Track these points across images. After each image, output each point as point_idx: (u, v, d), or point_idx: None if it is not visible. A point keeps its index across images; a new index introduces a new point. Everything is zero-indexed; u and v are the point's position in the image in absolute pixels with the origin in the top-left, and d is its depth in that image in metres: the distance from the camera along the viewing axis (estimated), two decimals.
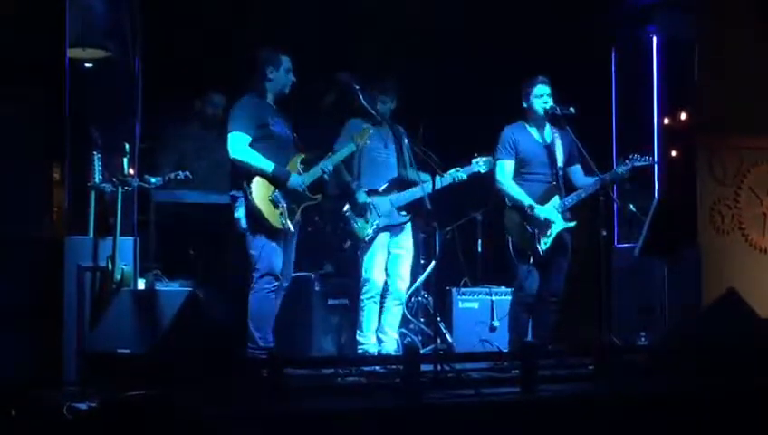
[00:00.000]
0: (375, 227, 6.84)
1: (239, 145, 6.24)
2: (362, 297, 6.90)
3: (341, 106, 7.14)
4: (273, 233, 6.28)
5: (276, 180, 6.30)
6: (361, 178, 6.95)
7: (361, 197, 6.85)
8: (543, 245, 6.66)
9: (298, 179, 6.39)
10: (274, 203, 6.28)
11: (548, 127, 6.85)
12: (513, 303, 6.97)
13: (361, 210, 6.84)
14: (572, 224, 6.75)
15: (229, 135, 6.27)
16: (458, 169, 6.96)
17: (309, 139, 6.81)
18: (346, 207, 6.87)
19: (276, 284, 6.32)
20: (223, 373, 4.95)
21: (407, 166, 7.04)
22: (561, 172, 6.79)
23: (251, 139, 6.27)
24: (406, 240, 7.03)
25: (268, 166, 6.27)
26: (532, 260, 6.68)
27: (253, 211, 6.23)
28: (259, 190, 6.25)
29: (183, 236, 7.31)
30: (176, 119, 7.63)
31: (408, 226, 7.03)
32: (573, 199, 6.73)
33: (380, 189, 6.94)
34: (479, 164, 6.99)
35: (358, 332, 6.94)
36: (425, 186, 6.74)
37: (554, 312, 6.82)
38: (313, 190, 6.52)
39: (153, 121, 6.59)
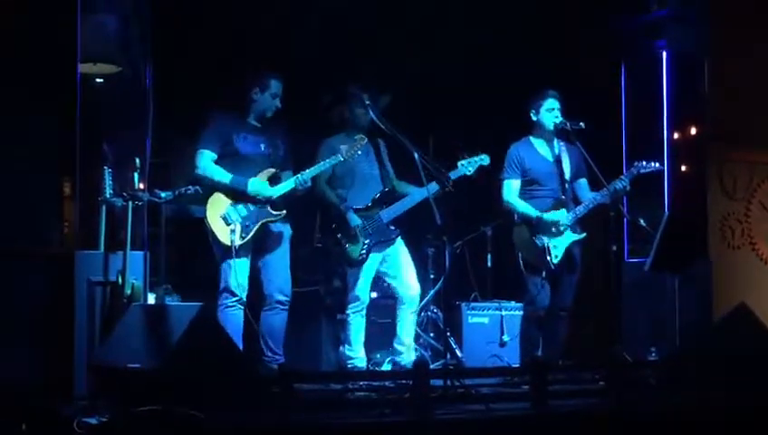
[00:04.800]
0: (367, 246, 6.78)
1: (203, 162, 6.41)
2: (348, 312, 6.85)
3: (349, 119, 7.11)
4: (227, 250, 6.33)
5: (235, 191, 6.38)
6: (348, 193, 6.89)
7: (353, 220, 6.76)
8: (554, 259, 6.66)
9: (257, 184, 6.39)
10: (225, 220, 6.35)
11: (555, 141, 6.86)
12: (523, 318, 6.96)
13: (353, 234, 6.77)
14: (582, 236, 6.74)
15: (196, 153, 6.44)
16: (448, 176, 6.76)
17: (303, 154, 6.82)
18: (339, 233, 6.80)
19: (235, 299, 6.37)
20: (233, 388, 4.95)
21: (389, 180, 7.00)
22: (568, 186, 6.80)
23: (216, 156, 6.44)
24: (398, 251, 6.93)
25: (226, 177, 6.39)
26: (544, 274, 6.68)
27: (207, 229, 6.38)
28: (212, 208, 6.38)
29: (193, 251, 7.33)
30: (188, 134, 7.64)
31: (399, 238, 6.96)
32: (582, 211, 6.73)
33: (368, 205, 6.86)
34: (465, 166, 6.87)
35: (346, 346, 6.89)
36: (413, 196, 6.76)
37: (564, 325, 6.83)
38: (283, 206, 6.50)
39: (165, 137, 6.62)
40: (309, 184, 6.52)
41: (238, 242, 6.31)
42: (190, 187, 6.43)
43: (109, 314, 5.86)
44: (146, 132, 6.18)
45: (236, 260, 6.33)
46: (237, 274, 6.34)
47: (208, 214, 6.38)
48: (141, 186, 6.14)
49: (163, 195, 6.39)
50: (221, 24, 7.50)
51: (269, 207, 6.45)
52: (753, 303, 6.25)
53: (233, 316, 6.36)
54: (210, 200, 6.40)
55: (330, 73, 7.63)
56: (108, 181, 6.06)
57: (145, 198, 6.15)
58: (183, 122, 7.38)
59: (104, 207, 6.06)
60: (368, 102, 6.73)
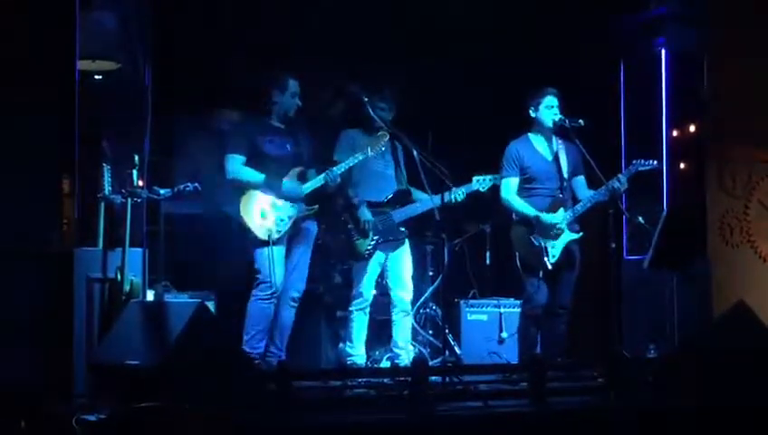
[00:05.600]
0: (374, 242, 6.83)
1: (234, 166, 6.54)
2: (351, 309, 6.92)
3: (349, 117, 7.14)
4: (264, 245, 6.45)
5: (268, 192, 6.50)
6: (359, 189, 6.93)
7: (365, 214, 6.83)
8: (552, 258, 6.66)
9: (291, 184, 6.53)
10: (262, 216, 6.45)
11: (554, 138, 6.87)
12: (521, 316, 6.97)
13: (363, 228, 6.83)
14: (579, 235, 6.75)
15: (225, 157, 6.57)
16: (457, 189, 6.88)
17: (316, 150, 6.85)
18: (349, 224, 6.87)
19: (271, 292, 6.48)
20: (232, 385, 4.95)
21: (403, 180, 7.05)
22: (566, 184, 6.80)
23: (245, 158, 6.55)
24: (403, 252, 6.99)
25: (259, 179, 6.52)
26: (541, 274, 6.69)
27: (242, 225, 6.49)
28: (246, 205, 6.50)
29: (192, 248, 7.34)
30: (190, 132, 7.65)
31: (406, 239, 7.01)
32: (580, 210, 6.73)
33: (382, 203, 6.93)
34: (480, 182, 6.98)
35: (347, 343, 6.95)
36: (424, 202, 6.82)
37: (563, 323, 6.83)
38: (313, 201, 6.63)
39: (164, 134, 6.62)
40: (339, 180, 6.65)
41: (275, 236, 6.45)
42: (189, 184, 6.44)
43: (107, 311, 5.87)
44: (145, 129, 6.19)
45: (275, 253, 6.44)
46: (276, 266, 6.44)
47: (243, 210, 6.49)
48: (140, 183, 6.14)
49: (162, 192, 6.39)
50: (221, 22, 7.50)
51: (303, 201, 6.60)
52: (751, 301, 6.24)
53: (265, 309, 6.50)
54: (244, 198, 6.52)
55: (329, 73, 7.64)
56: (107, 178, 6.06)
57: (144, 195, 6.15)
58: (182, 120, 7.39)
59: (103, 205, 6.05)
60: (366, 99, 6.77)
